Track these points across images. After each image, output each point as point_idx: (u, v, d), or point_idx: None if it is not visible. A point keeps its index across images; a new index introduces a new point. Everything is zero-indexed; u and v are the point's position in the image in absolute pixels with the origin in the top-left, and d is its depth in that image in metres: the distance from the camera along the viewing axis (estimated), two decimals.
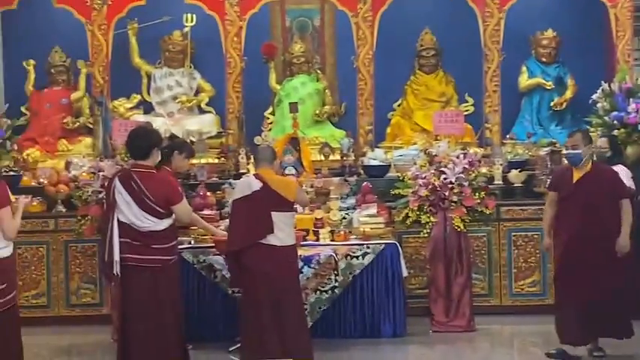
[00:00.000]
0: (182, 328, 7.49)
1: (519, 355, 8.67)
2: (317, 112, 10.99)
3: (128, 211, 7.22)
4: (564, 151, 8.20)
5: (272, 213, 7.50)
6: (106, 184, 8.90)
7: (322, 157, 10.41)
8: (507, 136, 10.74)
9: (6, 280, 6.56)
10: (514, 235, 9.90)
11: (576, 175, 7.80)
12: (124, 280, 7.24)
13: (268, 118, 11.00)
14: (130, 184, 7.23)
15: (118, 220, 7.24)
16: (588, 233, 7.67)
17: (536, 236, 9.81)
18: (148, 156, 7.33)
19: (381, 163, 10.23)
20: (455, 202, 8.99)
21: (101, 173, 9.29)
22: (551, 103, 10.91)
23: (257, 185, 7.55)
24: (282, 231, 7.56)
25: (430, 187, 8.98)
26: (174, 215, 7.31)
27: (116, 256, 7.19)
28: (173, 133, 10.73)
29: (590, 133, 8.60)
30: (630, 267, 7.83)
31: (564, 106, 10.89)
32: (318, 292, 8.66)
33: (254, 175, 7.80)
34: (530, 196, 10.05)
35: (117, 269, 7.20)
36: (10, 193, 6.76)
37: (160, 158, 7.63)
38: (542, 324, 9.05)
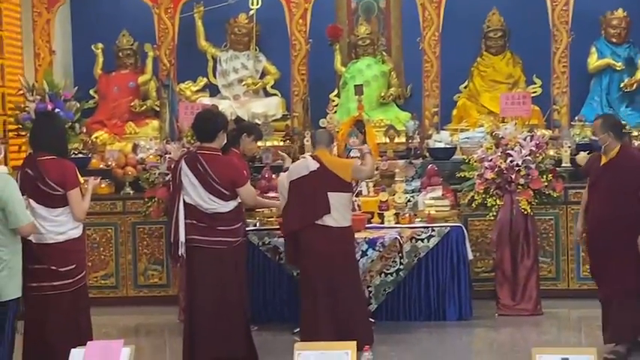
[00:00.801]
0: (246, 310, 7.57)
1: (586, 339, 8.56)
2: (382, 94, 10.95)
3: (194, 192, 7.29)
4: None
5: (328, 193, 7.55)
6: (172, 166, 9.05)
7: (387, 140, 10.36)
8: (576, 118, 10.62)
9: (76, 261, 6.69)
10: None
11: (603, 161, 7.57)
12: (190, 261, 7.33)
13: (333, 101, 10.99)
14: (196, 166, 7.28)
15: (184, 201, 7.32)
16: (607, 224, 7.39)
17: None
18: (214, 139, 7.38)
19: (447, 146, 10.21)
20: (521, 184, 8.92)
21: (168, 156, 9.36)
22: (621, 85, 10.76)
23: (314, 166, 7.60)
24: (338, 211, 7.57)
25: (496, 169, 8.92)
26: (239, 197, 7.38)
27: (181, 237, 7.27)
28: (239, 115, 10.81)
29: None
30: None
31: (635, 87, 10.72)
32: (382, 274, 8.69)
33: (311, 156, 7.83)
34: None
35: (182, 250, 7.29)
36: (79, 174, 6.89)
37: (225, 141, 7.69)
38: None
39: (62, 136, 7.09)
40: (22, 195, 6.36)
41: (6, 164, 9.10)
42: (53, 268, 6.56)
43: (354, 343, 6.08)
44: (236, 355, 7.39)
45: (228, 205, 7.28)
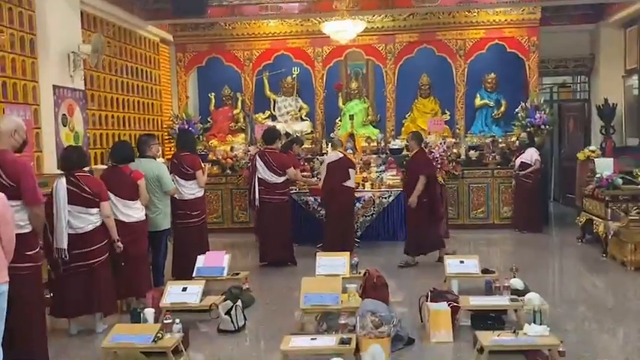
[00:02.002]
0: (291, 234, 7.61)
1: (472, 251, 8.36)
2: (364, 120, 10.84)
3: (263, 172, 7.30)
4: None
5: (348, 170, 7.63)
6: (251, 158, 9.03)
7: (366, 144, 10.31)
8: (468, 132, 10.52)
9: (199, 209, 6.72)
10: (471, 186, 9.78)
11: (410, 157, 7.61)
12: (261, 209, 7.35)
13: (337, 123, 10.89)
14: (263, 157, 7.30)
15: (258, 177, 7.33)
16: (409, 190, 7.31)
17: (483, 186, 9.80)
18: (273, 143, 7.39)
19: (399, 147, 10.11)
20: (439, 168, 8.87)
21: (249, 153, 9.38)
22: (493, 114, 10.61)
23: (340, 155, 7.76)
24: (351, 180, 7.64)
25: None
26: (287, 175, 7.37)
27: (257, 196, 7.30)
28: (287, 131, 10.77)
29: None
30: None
31: (500, 115, 10.58)
32: (364, 216, 8.65)
33: (337, 151, 7.91)
34: (480, 165, 9.89)
35: (257, 203, 7.31)
36: (201, 161, 6.90)
37: (281, 144, 7.71)
38: (486, 234, 9.19)
39: (192, 141, 7.11)
40: (171, 174, 6.39)
41: (163, 157, 9.17)
42: (188, 212, 6.60)
43: (348, 253, 6.12)
44: (285, 257, 7.44)
45: (281, 179, 7.29)
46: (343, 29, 8.27)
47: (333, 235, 7.57)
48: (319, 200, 8.47)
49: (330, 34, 8.62)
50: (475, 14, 10.24)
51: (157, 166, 6.23)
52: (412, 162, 7.39)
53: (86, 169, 5.19)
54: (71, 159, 5.04)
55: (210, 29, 10.70)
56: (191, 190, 6.65)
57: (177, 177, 6.56)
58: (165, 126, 10.47)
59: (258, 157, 7.40)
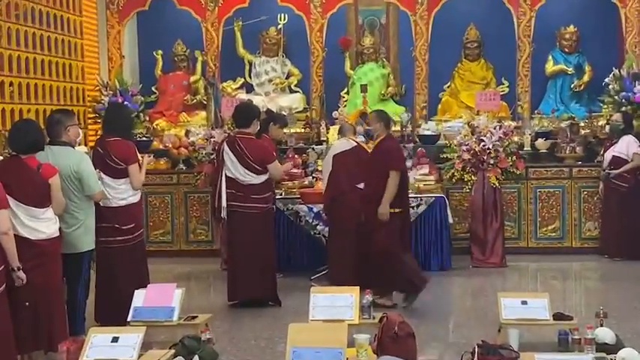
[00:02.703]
0: (274, 260, 7.63)
1: (541, 287, 8.55)
2: (382, 92, 10.88)
3: (233, 168, 7.32)
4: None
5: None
6: (216, 148, 9.07)
7: None
8: (535, 112, 10.59)
9: (133, 221, 6.71)
10: (539, 191, 9.84)
11: (370, 147, 7.71)
12: (231, 222, 7.36)
13: (343, 97, 10.93)
14: (234, 147, 7.31)
15: (226, 175, 7.34)
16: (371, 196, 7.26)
17: (557, 192, 9.81)
18: (249, 125, 7.40)
19: (433, 133, 10.18)
20: (491, 164, 8.94)
21: (212, 139, 9.40)
22: (572, 85, 10.68)
23: (353, 144, 7.96)
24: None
25: (472, 152, 8.95)
26: (268, 173, 7.39)
27: (224, 203, 7.31)
28: (269, 108, 10.80)
29: None
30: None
31: (582, 87, 10.66)
32: None
33: (347, 139, 8.11)
34: (553, 160, 9.98)
35: (223, 214, 7.32)
36: (137, 152, 6.90)
37: (259, 127, 7.70)
38: (560, 262, 9.30)
39: (127, 121, 7.10)
40: (95, 169, 6.40)
41: (85, 144, 9.18)
42: (117, 226, 6.60)
43: (357, 288, 6.14)
44: (265, 294, 7.45)
45: (260, 178, 7.30)
46: None
47: (341, 264, 7.58)
48: (317, 210, 8.48)
49: None
50: None
51: (77, 157, 6.21)
52: (378, 152, 7.43)
53: None
54: None
55: None
56: (122, 194, 6.61)
57: (102, 174, 6.53)
58: (89, 98, 10.48)
59: (227, 147, 7.41)
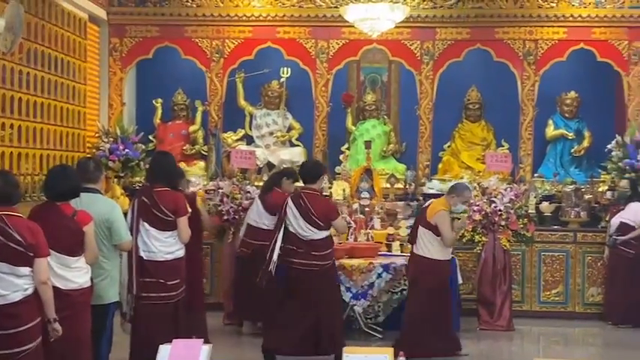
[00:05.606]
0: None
1: (543, 352, 8.50)
2: (384, 149, 10.93)
3: (295, 223, 7.40)
4: None
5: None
6: (224, 199, 8.98)
7: (389, 185, 10.34)
8: (536, 175, 10.66)
9: (179, 276, 6.62)
10: (543, 255, 9.86)
11: None
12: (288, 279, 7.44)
13: (344, 152, 10.94)
14: (299, 202, 7.42)
15: (287, 230, 7.42)
16: None
17: (561, 256, 9.84)
18: (316, 180, 7.59)
19: (438, 192, 10.12)
20: (502, 225, 8.95)
21: (220, 190, 9.29)
22: (572, 150, 10.82)
23: None
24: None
25: (482, 212, 8.97)
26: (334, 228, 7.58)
27: (274, 258, 7.34)
28: (270, 161, 10.78)
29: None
30: None
31: (582, 153, 10.80)
32: (389, 293, 8.58)
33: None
34: (557, 224, 10.02)
35: (272, 267, 7.35)
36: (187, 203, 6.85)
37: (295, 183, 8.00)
38: (563, 327, 9.33)
39: (176, 172, 7.01)
40: (135, 219, 6.29)
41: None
42: (162, 281, 6.46)
43: (392, 349, 6.02)
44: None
45: (323, 234, 7.38)
46: (375, 16, 8.35)
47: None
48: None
49: (356, 22, 8.69)
50: (553, 5, 10.53)
51: (108, 204, 6.13)
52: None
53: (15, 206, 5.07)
54: None
55: (164, 5, 10.75)
56: (169, 247, 6.50)
57: (147, 225, 6.43)
58: (88, 145, 10.33)
59: (291, 202, 7.49)
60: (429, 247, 7.66)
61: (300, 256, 7.30)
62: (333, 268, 7.61)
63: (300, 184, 10.11)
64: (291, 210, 7.40)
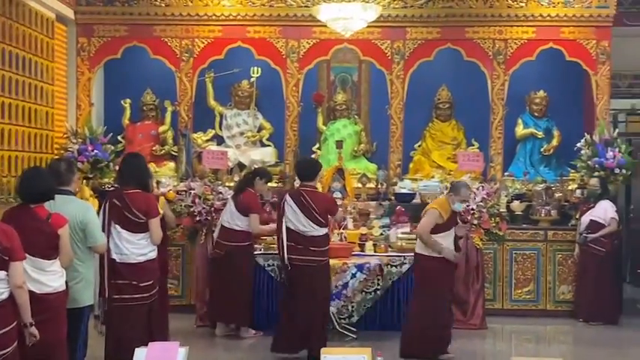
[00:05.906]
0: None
1: (515, 350, 8.63)
2: (355, 149, 10.94)
3: (295, 219, 7.51)
4: None
5: None
6: (196, 200, 8.92)
7: (360, 185, 10.34)
8: (506, 174, 10.71)
9: (152, 278, 6.58)
10: (515, 253, 9.93)
11: None
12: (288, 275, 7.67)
13: (315, 152, 10.92)
14: (299, 199, 7.53)
15: (287, 227, 7.54)
16: None
17: (532, 255, 9.93)
18: (313, 178, 7.80)
19: (409, 191, 10.19)
20: (475, 224, 8.98)
21: (192, 191, 9.22)
22: (541, 149, 10.90)
23: None
24: None
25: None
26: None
27: (286, 254, 7.54)
28: (240, 161, 10.72)
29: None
30: None
31: (551, 151, 10.88)
32: (363, 293, 8.58)
33: None
34: (528, 222, 10.09)
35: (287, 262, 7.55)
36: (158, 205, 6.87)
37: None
38: (535, 325, 9.44)
39: (147, 173, 6.93)
40: (109, 222, 6.22)
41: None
42: (135, 283, 6.40)
43: (369, 349, 6.02)
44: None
45: (322, 231, 7.55)
46: (348, 16, 8.34)
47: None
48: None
49: (329, 22, 8.67)
50: (522, 4, 10.59)
51: (83, 206, 6.07)
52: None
53: None
54: None
55: (132, 4, 10.65)
56: (141, 249, 6.44)
57: (119, 227, 6.36)
58: (56, 146, 10.18)
59: (289, 199, 7.56)
60: (418, 241, 7.73)
61: (298, 252, 7.44)
62: (327, 265, 7.75)
63: (273, 184, 10.37)
64: (291, 207, 7.51)
